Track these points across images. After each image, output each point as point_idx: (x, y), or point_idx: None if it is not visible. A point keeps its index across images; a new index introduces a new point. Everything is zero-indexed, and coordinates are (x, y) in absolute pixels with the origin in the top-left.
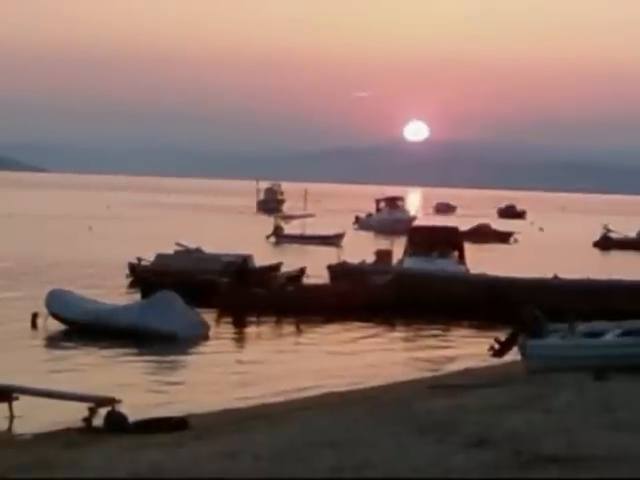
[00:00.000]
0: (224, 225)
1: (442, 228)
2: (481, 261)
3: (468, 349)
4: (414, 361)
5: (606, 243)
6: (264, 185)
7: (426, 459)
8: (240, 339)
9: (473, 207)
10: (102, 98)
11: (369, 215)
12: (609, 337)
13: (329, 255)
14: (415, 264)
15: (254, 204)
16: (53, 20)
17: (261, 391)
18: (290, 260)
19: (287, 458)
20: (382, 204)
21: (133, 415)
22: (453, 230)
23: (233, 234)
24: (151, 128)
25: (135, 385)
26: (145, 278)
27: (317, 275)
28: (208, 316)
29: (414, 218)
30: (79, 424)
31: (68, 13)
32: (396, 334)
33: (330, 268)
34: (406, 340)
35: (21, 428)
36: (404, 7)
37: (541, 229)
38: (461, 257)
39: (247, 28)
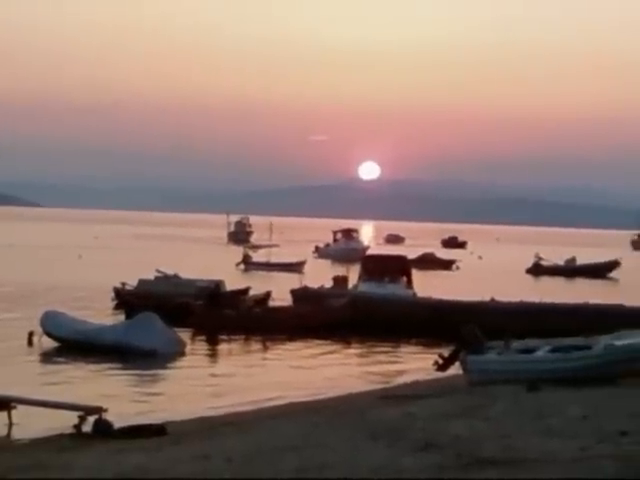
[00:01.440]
0: (199, 254)
1: (392, 257)
2: (427, 286)
3: (415, 364)
4: (367, 374)
5: (537, 270)
6: (234, 218)
7: (379, 461)
8: (213, 355)
9: (419, 238)
10: (92, 142)
11: (327, 245)
12: (540, 353)
13: (292, 281)
14: (368, 288)
15: (225, 235)
16: (45, 68)
17: (232, 401)
18: (257, 285)
19: (256, 460)
20: (339, 235)
21: (118, 422)
22: (402, 258)
23: (207, 262)
24: (136, 168)
25: (120, 396)
26: (129, 301)
27: (281, 298)
28: (184, 335)
29: (367, 248)
30: (70, 430)
31: (58, 62)
32: (351, 350)
33: (293, 292)
34: (360, 356)
35: (19, 434)
36: (354, 62)
37: (480, 257)
38: (409, 282)
39: (220, 82)
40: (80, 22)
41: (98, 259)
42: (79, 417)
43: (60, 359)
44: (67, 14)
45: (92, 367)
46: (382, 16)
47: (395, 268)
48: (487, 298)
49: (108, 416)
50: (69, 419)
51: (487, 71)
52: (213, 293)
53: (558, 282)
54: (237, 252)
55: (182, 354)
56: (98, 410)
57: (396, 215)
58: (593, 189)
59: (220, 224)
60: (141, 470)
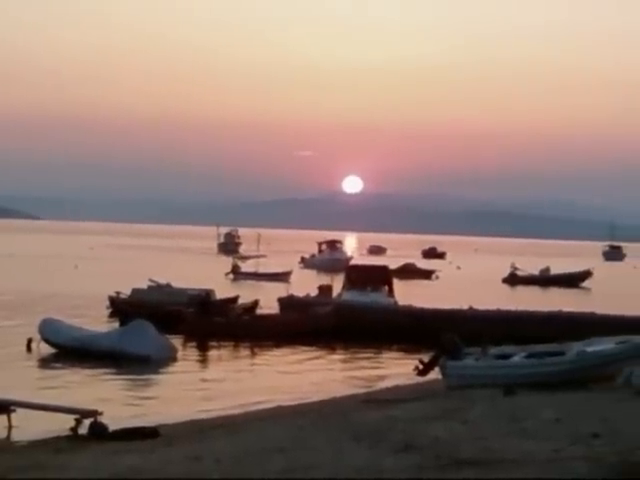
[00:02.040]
0: (190, 264)
1: (374, 267)
2: (407, 295)
3: (396, 369)
4: (351, 379)
5: (513, 280)
6: (224, 230)
7: (362, 462)
8: (203, 360)
9: (401, 249)
10: (89, 157)
11: (312, 256)
12: (516, 359)
13: (279, 290)
14: (352, 297)
15: (215, 246)
16: (43, 86)
17: (222, 404)
18: (246, 294)
19: (244, 461)
20: (324, 246)
21: (113, 425)
22: (384, 268)
23: (197, 272)
24: (130, 182)
25: (114, 399)
26: (123, 309)
27: (269, 306)
28: (176, 341)
29: (351, 258)
30: (67, 433)
31: (56, 80)
32: (336, 356)
33: (280, 300)
34: (344, 361)
35: (18, 436)
36: (337, 81)
37: (458, 268)
38: (391, 291)
39: (210, 100)
40: (76, 43)
41: (93, 269)
42: (75, 420)
43: (57, 364)
44: (65, 36)
45: (88, 372)
46: (364, 38)
47: (377, 278)
48: (465, 306)
49: (103, 419)
50: (66, 422)
51: (465, 89)
52: (203, 301)
53: (533, 291)
54: (226, 262)
55: (174, 360)
56: (94, 413)
57: (378, 227)
58: (567, 202)
59: (210, 235)
60: (135, 471)
